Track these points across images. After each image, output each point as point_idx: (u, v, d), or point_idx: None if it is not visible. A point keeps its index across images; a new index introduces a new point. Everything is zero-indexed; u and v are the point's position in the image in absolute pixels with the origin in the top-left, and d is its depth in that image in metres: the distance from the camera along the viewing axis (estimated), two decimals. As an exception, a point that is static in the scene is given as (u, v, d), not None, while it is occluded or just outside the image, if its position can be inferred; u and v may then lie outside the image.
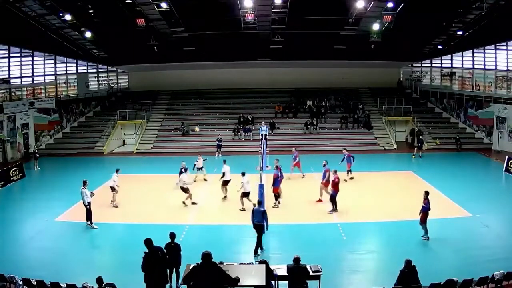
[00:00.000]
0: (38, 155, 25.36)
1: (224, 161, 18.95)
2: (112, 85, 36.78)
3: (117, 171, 17.80)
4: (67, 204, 17.36)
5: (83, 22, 26.37)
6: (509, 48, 28.06)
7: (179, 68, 34.67)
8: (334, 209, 16.20)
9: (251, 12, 24.36)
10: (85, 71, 34.44)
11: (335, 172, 16.47)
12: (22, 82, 28.92)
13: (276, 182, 17.02)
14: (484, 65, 30.31)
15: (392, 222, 15.23)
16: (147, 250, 9.16)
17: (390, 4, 23.52)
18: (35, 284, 9.63)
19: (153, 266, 9.08)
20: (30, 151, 27.54)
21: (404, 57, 33.71)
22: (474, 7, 23.63)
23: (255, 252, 12.63)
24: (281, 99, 34.13)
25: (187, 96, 35.56)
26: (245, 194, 16.67)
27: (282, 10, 25.03)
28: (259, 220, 12.60)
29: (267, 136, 24.47)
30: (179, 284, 10.13)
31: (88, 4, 24.59)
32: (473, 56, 31.12)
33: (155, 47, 29.12)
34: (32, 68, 29.23)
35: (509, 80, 28.75)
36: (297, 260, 9.35)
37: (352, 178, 20.88)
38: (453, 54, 32.59)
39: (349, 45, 29.45)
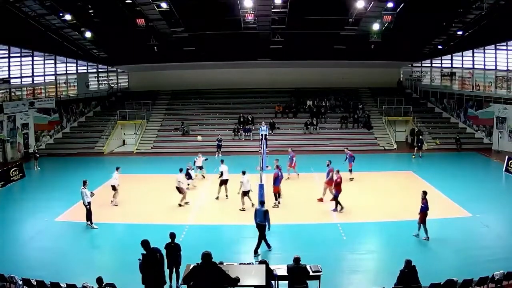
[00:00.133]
0: (38, 155, 25.37)
1: (222, 161, 18.96)
2: (112, 85, 36.78)
3: (117, 169, 17.90)
4: (67, 204, 17.36)
5: (83, 22, 26.37)
6: (509, 48, 28.06)
7: (179, 68, 34.67)
8: (341, 208, 16.21)
9: (251, 12, 24.36)
10: (85, 71, 34.44)
11: (338, 172, 16.52)
12: (22, 82, 28.93)
13: (277, 181, 17.06)
14: (484, 65, 30.32)
15: (392, 222, 15.24)
16: (144, 252, 9.12)
17: (390, 4, 23.52)
18: (35, 284, 9.63)
19: (151, 267, 9.04)
20: (30, 151, 27.54)
21: (404, 57, 33.72)
22: (474, 7, 23.64)
23: (255, 252, 12.64)
24: (281, 99, 34.13)
25: (187, 96, 35.57)
26: (245, 193, 16.72)
27: (282, 10, 25.03)
28: (261, 220, 12.65)
29: (267, 136, 24.49)
30: (179, 284, 10.14)
31: (88, 4, 24.59)
32: (473, 56, 31.13)
33: (155, 47, 29.12)
34: (32, 68, 29.23)
35: (509, 80, 28.75)
36: (297, 260, 9.35)
37: (352, 178, 20.88)
38: (453, 54, 32.59)
39: (349, 45, 29.46)
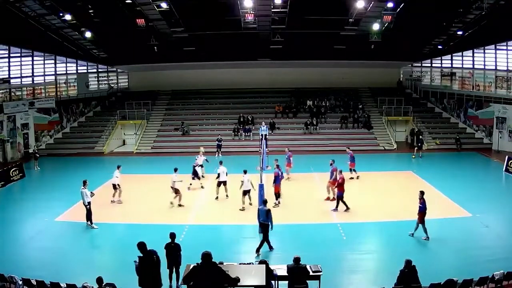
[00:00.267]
0: (38, 155, 25.37)
1: (221, 162, 18.93)
2: (112, 85, 36.78)
3: (118, 167, 18.02)
4: (67, 204, 17.37)
5: (83, 22, 26.37)
6: (509, 48, 28.06)
7: (179, 68, 34.67)
8: (346, 208, 16.22)
9: (251, 12, 24.36)
10: (85, 71, 34.44)
11: (340, 172, 16.56)
12: (22, 82, 28.93)
13: (277, 180, 17.09)
14: (484, 65, 30.31)
15: (392, 222, 15.24)
16: (141, 254, 9.07)
17: (390, 4, 23.52)
18: (35, 284, 9.63)
19: (147, 269, 8.98)
20: (30, 151, 27.53)
21: (404, 57, 33.72)
22: (474, 7, 23.63)
23: (257, 251, 12.67)
24: (281, 99, 34.13)
25: (187, 96, 35.57)
26: (245, 192, 16.79)
27: (282, 10, 25.03)
28: (264, 219, 12.70)
29: (267, 136, 24.48)
30: (179, 284, 10.13)
31: (88, 4, 24.59)
32: (473, 56, 31.13)
33: (155, 47, 29.13)
34: (32, 68, 29.23)
35: (509, 80, 28.75)
36: (297, 260, 9.35)
37: (352, 178, 20.90)
38: (453, 54, 32.59)
39: (349, 45, 29.46)
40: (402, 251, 12.31)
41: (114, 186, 17.75)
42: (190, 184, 20.00)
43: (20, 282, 9.61)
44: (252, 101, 34.58)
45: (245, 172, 16.85)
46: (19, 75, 28.41)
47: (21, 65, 28.29)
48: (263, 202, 13.22)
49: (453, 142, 29.10)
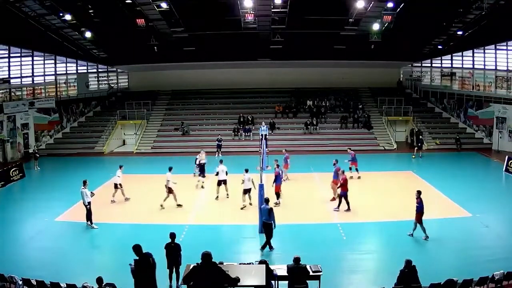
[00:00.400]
0: (38, 155, 25.37)
1: (221, 161, 18.99)
2: (112, 85, 36.78)
3: (120, 167, 18.11)
4: (67, 204, 17.37)
5: (83, 22, 26.37)
6: (509, 48, 28.06)
7: (179, 68, 34.67)
8: (347, 209, 16.27)
9: (251, 12, 24.36)
10: (85, 71, 34.44)
11: (343, 172, 16.61)
12: (22, 82, 28.93)
13: (278, 179, 17.09)
14: (484, 65, 30.31)
15: (392, 222, 15.24)
16: (136, 257, 9.02)
17: (390, 4, 23.52)
18: (35, 284, 9.63)
19: (143, 272, 8.94)
20: (30, 151, 27.54)
21: (404, 57, 33.71)
22: (474, 7, 23.63)
23: (262, 249, 12.80)
24: (281, 99, 34.13)
25: (187, 96, 35.56)
26: (245, 191, 16.86)
27: (282, 10, 25.03)
28: (267, 218, 12.75)
29: (267, 136, 24.50)
30: (179, 284, 10.13)
31: (88, 4, 24.59)
32: (473, 56, 31.12)
33: (155, 47, 29.13)
34: (32, 68, 29.23)
35: (509, 80, 28.75)
36: (297, 260, 9.35)
37: (351, 177, 20.90)
38: (453, 54, 32.58)
39: (349, 45, 29.46)
40: (402, 251, 12.31)
41: (116, 185, 17.78)
42: (202, 182, 20.11)
43: (20, 282, 9.61)
44: (252, 101, 34.58)
45: (246, 171, 16.95)
46: (19, 75, 28.41)
47: (21, 65, 28.29)
48: (265, 200, 13.24)
49: (453, 142, 29.09)
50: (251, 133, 30.54)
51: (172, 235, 10.51)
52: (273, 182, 17.16)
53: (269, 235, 12.79)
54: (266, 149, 20.67)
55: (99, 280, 8.84)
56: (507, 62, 28.32)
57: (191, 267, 8.64)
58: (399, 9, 24.20)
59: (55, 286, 9.46)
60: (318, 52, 31.23)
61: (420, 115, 32.47)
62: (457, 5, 24.36)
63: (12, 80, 27.91)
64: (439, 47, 31.10)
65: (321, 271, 10.00)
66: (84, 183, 15.18)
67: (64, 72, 32.52)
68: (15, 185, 21.35)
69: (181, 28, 27.52)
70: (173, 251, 10.38)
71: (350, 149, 22.00)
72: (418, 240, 13.57)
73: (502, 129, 28.67)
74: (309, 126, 31.12)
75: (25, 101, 28.19)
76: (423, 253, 12.58)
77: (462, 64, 32.45)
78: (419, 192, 13.78)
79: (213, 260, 7.90)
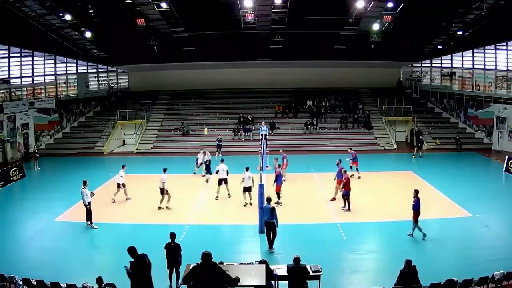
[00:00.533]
0: (38, 155, 25.37)
1: (222, 160, 19.01)
2: (112, 85, 36.78)
3: (123, 167, 18.15)
4: (67, 204, 17.37)
5: (83, 22, 26.37)
6: (509, 48, 28.06)
7: (179, 68, 34.66)
8: (347, 209, 16.29)
9: (251, 12, 24.35)
10: (85, 71, 34.43)
11: (345, 172, 16.64)
12: (22, 82, 28.93)
13: (278, 179, 17.08)
14: (484, 65, 30.31)
15: (392, 222, 15.23)
16: (132, 259, 8.97)
17: (390, 4, 23.51)
18: (35, 284, 9.63)
19: (140, 273, 8.91)
20: (30, 151, 27.54)
21: (404, 57, 33.71)
22: (474, 7, 23.62)
23: (270, 247, 12.87)
24: (281, 99, 34.13)
25: (187, 96, 35.56)
26: (245, 189, 16.94)
27: (282, 10, 25.03)
28: (269, 217, 12.78)
29: (267, 136, 24.50)
30: (179, 284, 10.13)
31: (88, 4, 24.59)
32: (473, 56, 31.12)
33: (155, 47, 29.12)
34: (32, 68, 29.23)
35: (509, 80, 28.74)
36: (297, 260, 9.35)
37: (352, 175, 20.85)
38: (453, 54, 32.58)
39: (349, 45, 29.45)
40: (402, 251, 12.32)
41: (119, 185, 17.84)
42: (209, 177, 20.07)
43: (20, 282, 9.61)
44: (252, 101, 34.58)
45: (247, 169, 17.06)
46: (19, 75, 28.41)
47: (21, 65, 28.29)
48: (267, 200, 13.26)
49: (453, 142, 29.09)
50: (251, 133, 30.54)
51: (172, 235, 10.51)
52: (274, 182, 17.17)
53: (274, 233, 12.84)
54: (266, 149, 20.68)
55: (99, 280, 8.84)
56: (507, 62, 28.32)
57: (191, 267, 8.63)
58: (399, 9, 24.19)
59: (55, 286, 9.46)
60: (318, 52, 31.23)
61: (420, 115, 32.47)
62: (457, 5, 24.35)
63: (12, 80, 27.91)
64: (439, 47, 31.10)
65: (321, 271, 10.00)
66: (84, 183, 15.18)
67: (64, 72, 32.51)
68: (15, 185, 21.34)
69: (181, 28, 27.52)
70: (173, 251, 10.38)
71: (351, 148, 22.03)
72: (418, 240, 13.56)
73: (502, 129, 28.68)
74: (309, 126, 31.12)
75: (25, 101, 28.19)
76: (423, 253, 12.58)
77: (462, 64, 32.45)
78: (416, 191, 13.79)
79: (213, 260, 7.90)
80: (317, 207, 17.22)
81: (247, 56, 32.64)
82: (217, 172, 18.37)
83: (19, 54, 27.91)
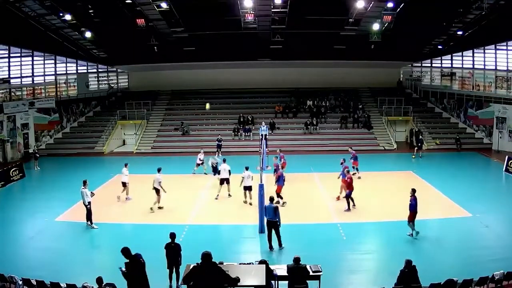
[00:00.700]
0: (38, 155, 25.36)
1: (224, 160, 19.02)
2: (112, 85, 36.78)
3: (126, 165, 18.25)
4: (67, 204, 17.36)
5: (83, 22, 26.36)
6: (509, 48, 28.05)
7: (179, 68, 34.65)
8: (347, 209, 16.30)
9: (251, 12, 24.33)
10: (85, 71, 34.43)
11: (348, 172, 16.64)
12: (22, 82, 28.92)
13: (280, 180, 17.07)
14: (484, 65, 30.30)
15: (392, 222, 15.22)
16: (127, 260, 8.97)
17: (390, 4, 23.49)
18: (35, 284, 9.62)
19: (136, 273, 8.90)
20: (30, 151, 27.54)
21: (404, 57, 33.69)
22: (474, 7, 23.62)
23: (280, 245, 12.95)
24: (281, 99, 34.12)
25: (187, 96, 35.55)
26: (245, 188, 17.04)
27: (282, 10, 25.01)
28: (271, 216, 12.80)
29: (267, 136, 24.49)
30: (179, 284, 10.13)
31: (88, 4, 24.58)
32: (473, 56, 31.12)
33: (155, 47, 29.11)
34: (32, 68, 29.22)
35: (509, 80, 28.74)
36: (297, 260, 9.35)
37: (354, 174, 20.84)
38: (453, 54, 32.57)
39: (349, 45, 29.44)
40: (402, 251, 12.33)
41: (124, 183, 17.90)
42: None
43: (20, 282, 9.61)
44: (252, 101, 34.57)
45: (246, 168, 17.14)
46: (19, 75, 28.40)
47: (21, 65, 28.28)
48: (270, 199, 13.29)
49: (453, 142, 29.09)
50: (251, 133, 30.54)
51: (172, 235, 10.51)
52: (276, 182, 17.14)
53: (277, 232, 12.89)
54: (266, 149, 20.67)
55: (99, 280, 8.84)
56: (507, 62, 28.31)
57: (191, 267, 8.64)
58: (399, 9, 24.18)
59: (55, 286, 9.46)
60: (318, 52, 31.23)
61: (420, 115, 32.46)
62: (457, 5, 24.35)
63: (12, 80, 27.90)
64: (439, 47, 31.10)
65: (321, 271, 10.00)
66: (84, 183, 15.17)
67: (64, 72, 32.50)
68: (15, 185, 21.34)
69: (181, 28, 27.51)
70: (173, 251, 10.38)
71: (351, 148, 22.04)
72: (418, 240, 13.56)
73: (502, 129, 28.68)
74: (309, 126, 31.12)
75: (25, 101, 28.18)
76: (423, 253, 12.57)
77: (462, 64, 32.44)
78: (413, 190, 13.79)
79: (213, 260, 7.90)
80: (317, 207, 17.22)
81: (247, 56, 32.62)
82: (219, 172, 18.39)
83: (19, 54, 27.90)
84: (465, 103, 31.35)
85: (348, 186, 16.27)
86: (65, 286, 9.43)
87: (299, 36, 28.44)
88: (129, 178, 18.15)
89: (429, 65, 35.43)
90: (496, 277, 9.65)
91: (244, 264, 10.04)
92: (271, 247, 12.94)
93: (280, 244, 12.99)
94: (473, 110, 30.81)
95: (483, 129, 30.29)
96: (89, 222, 14.98)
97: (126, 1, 23.91)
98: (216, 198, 18.09)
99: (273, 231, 12.93)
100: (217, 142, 27.67)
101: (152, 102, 34.45)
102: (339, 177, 17.80)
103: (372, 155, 27.09)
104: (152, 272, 10.07)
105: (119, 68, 36.77)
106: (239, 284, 8.15)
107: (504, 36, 26.76)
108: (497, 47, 28.88)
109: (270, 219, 12.85)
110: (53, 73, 31.41)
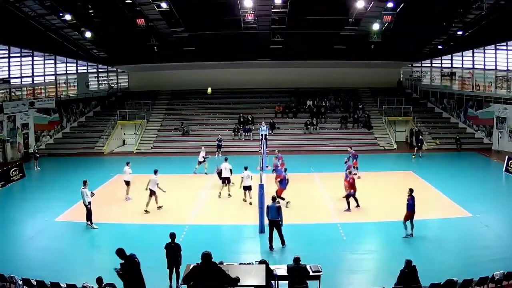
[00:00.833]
0: (38, 155, 25.36)
1: (225, 159, 19.11)
2: (112, 85, 36.78)
3: (128, 164, 18.36)
4: (67, 204, 17.36)
5: (83, 22, 26.36)
6: (509, 48, 28.05)
7: (179, 68, 34.64)
8: (348, 208, 16.31)
9: (251, 12, 24.34)
10: (85, 71, 34.43)
11: (350, 172, 16.67)
12: (22, 82, 28.92)
13: (283, 183, 17.02)
14: (484, 65, 30.30)
15: (392, 222, 15.19)
16: (122, 261, 8.97)
17: (390, 4, 23.50)
18: (35, 284, 9.62)
19: (132, 273, 8.90)
20: (30, 151, 27.53)
21: (404, 57, 33.69)
22: (474, 7, 23.62)
23: (282, 244, 12.99)
24: (281, 99, 34.13)
25: (187, 96, 35.54)
26: (245, 188, 17.11)
27: (282, 10, 25.02)
28: (274, 216, 12.80)
29: (267, 136, 24.51)
30: (179, 284, 10.13)
31: (88, 4, 24.58)
32: (473, 56, 31.11)
33: (155, 47, 29.12)
34: (32, 68, 29.22)
35: (509, 80, 28.74)
36: (297, 260, 9.35)
37: (355, 174, 20.85)
38: (453, 54, 32.57)
39: (349, 45, 29.45)
40: (402, 251, 12.33)
41: (127, 182, 18.02)
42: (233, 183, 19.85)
43: (20, 282, 9.61)
44: (252, 101, 34.57)
45: (245, 168, 17.18)
46: (19, 75, 28.40)
47: (21, 65, 28.28)
48: (272, 199, 13.29)
49: (453, 142, 29.09)
50: (251, 133, 30.54)
51: (172, 235, 10.50)
52: (279, 186, 17.07)
53: (279, 231, 12.92)
54: (266, 149, 20.67)
55: (99, 280, 8.84)
56: (507, 62, 28.31)
57: (191, 267, 8.64)
58: (399, 9, 24.18)
59: (55, 286, 9.46)
60: (318, 52, 31.22)
61: (420, 115, 32.46)
62: (457, 5, 24.35)
63: (12, 80, 27.90)
64: (439, 47, 31.10)
65: (321, 271, 9.99)
66: (84, 183, 15.17)
67: (64, 72, 32.50)
68: (15, 185, 21.34)
69: (181, 28, 27.52)
70: (173, 251, 10.38)
71: (350, 147, 22.04)
72: (419, 240, 13.56)
73: (502, 129, 28.68)
74: (309, 126, 31.12)
75: (25, 101, 28.18)
76: (423, 253, 12.56)
77: (462, 64, 32.44)
78: (411, 190, 13.80)
79: (213, 260, 7.90)
80: (317, 207, 17.23)
81: (247, 56, 32.62)
82: (220, 171, 18.42)
83: (19, 54, 27.89)
84: (465, 103, 31.35)
85: (351, 186, 16.27)
86: (65, 286, 9.43)
87: (299, 36, 28.45)
88: (132, 177, 18.16)
89: (429, 65, 35.43)
90: (496, 277, 9.64)
91: (244, 264, 10.04)
92: (271, 247, 12.93)
93: (283, 243, 13.01)
94: (473, 110, 30.81)
95: (483, 129, 30.29)
96: (89, 222, 14.98)
97: (126, 1, 23.91)
98: (219, 196, 18.16)
99: (275, 231, 12.93)
100: (217, 142, 27.70)
101: (152, 102, 34.45)
102: (358, 178, 17.81)
103: (372, 155, 27.08)
104: (152, 272, 10.09)
105: (119, 68, 36.76)
106: (239, 284, 8.15)
107: (504, 36, 26.75)
108: (497, 47, 28.88)
109: (273, 219, 12.85)
110: (53, 73, 31.41)
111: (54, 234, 14.70)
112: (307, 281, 9.41)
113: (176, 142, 30.52)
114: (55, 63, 31.37)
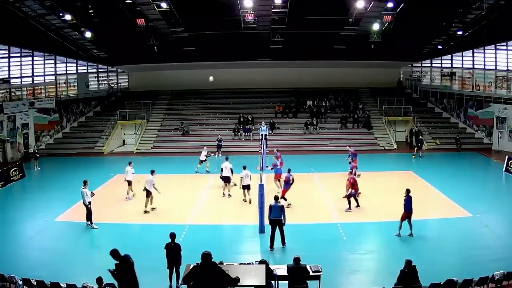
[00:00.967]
0: (38, 155, 25.36)
1: (226, 158, 19.18)
2: (112, 85, 36.78)
3: (130, 164, 18.38)
4: (67, 204, 17.35)
5: (83, 22, 26.37)
6: (509, 48, 28.05)
7: (179, 68, 34.64)
8: (348, 208, 16.32)
9: (251, 12, 24.34)
10: (85, 71, 34.43)
11: (350, 173, 16.72)
12: (22, 82, 28.92)
13: (287, 185, 16.99)
14: (484, 65, 30.30)
15: (392, 222, 15.14)
16: (117, 262, 8.95)
17: (390, 4, 23.51)
18: (35, 284, 9.62)
19: (127, 273, 8.90)
20: (30, 151, 27.53)
21: (404, 57, 33.70)
22: (474, 7, 23.63)
23: (283, 244, 12.99)
24: (281, 99, 34.12)
25: (187, 96, 35.55)
26: (244, 187, 17.19)
27: (282, 10, 25.04)
28: (276, 215, 12.81)
29: (267, 136, 24.50)
30: (179, 284, 10.13)
31: (88, 4, 24.60)
32: (473, 56, 31.11)
33: (155, 47, 29.13)
34: (32, 68, 29.22)
35: (509, 80, 28.74)
36: (297, 260, 9.35)
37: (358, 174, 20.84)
38: (453, 54, 32.57)
39: (349, 45, 29.45)
40: (402, 251, 12.33)
41: (129, 182, 18.00)
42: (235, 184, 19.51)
43: (20, 282, 9.61)
44: (252, 101, 34.57)
45: (244, 167, 17.28)
46: (19, 75, 28.40)
47: (21, 65, 28.28)
48: (275, 198, 13.32)
49: (453, 142, 29.08)
50: (251, 133, 30.54)
51: (172, 235, 10.50)
52: (283, 187, 17.05)
53: (281, 230, 12.94)
54: (266, 149, 20.67)
55: (99, 280, 8.84)
56: (507, 62, 28.31)
57: (191, 267, 8.63)
58: (399, 9, 24.19)
59: (55, 286, 9.46)
60: (318, 52, 31.22)
61: (420, 115, 32.46)
62: (457, 5, 24.36)
63: (12, 80, 27.90)
64: (439, 47, 31.11)
65: (321, 271, 9.99)
66: (85, 183, 15.17)
67: (64, 72, 32.50)
68: (15, 185, 21.33)
69: (181, 28, 27.53)
70: (173, 251, 10.37)
71: (349, 147, 22.05)
72: (418, 240, 13.56)
73: (502, 129, 28.68)
74: (309, 126, 31.12)
75: (25, 101, 28.18)
76: (423, 253, 12.56)
77: (462, 64, 32.44)
78: (407, 191, 13.82)
79: (213, 260, 7.90)
80: (317, 207, 17.23)
81: (247, 56, 32.62)
82: (221, 170, 18.45)
83: (19, 54, 27.89)
84: (465, 103, 31.35)
85: (352, 186, 16.27)
86: (65, 286, 9.43)
87: (299, 36, 28.46)
88: (134, 177, 18.13)
89: (429, 65, 35.43)
90: (496, 277, 9.65)
91: (244, 264, 10.04)
92: (272, 247, 12.93)
93: (283, 243, 13.02)
94: (473, 110, 30.81)
95: (483, 129, 30.29)
96: (89, 222, 14.97)
97: (126, 1, 23.93)
98: (223, 195, 18.24)
99: (277, 231, 12.93)
100: (217, 142, 27.70)
101: (152, 102, 34.44)
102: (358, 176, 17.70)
103: (372, 155, 27.08)
104: (152, 272, 10.11)
105: (119, 68, 36.76)
106: (239, 284, 8.14)
107: (504, 36, 26.76)
108: (497, 47, 28.88)
109: (275, 218, 12.84)
110: (53, 73, 31.41)
111: (54, 234, 14.70)
112: (307, 281, 9.41)
113: (176, 142, 30.51)
114: (55, 63, 31.37)
